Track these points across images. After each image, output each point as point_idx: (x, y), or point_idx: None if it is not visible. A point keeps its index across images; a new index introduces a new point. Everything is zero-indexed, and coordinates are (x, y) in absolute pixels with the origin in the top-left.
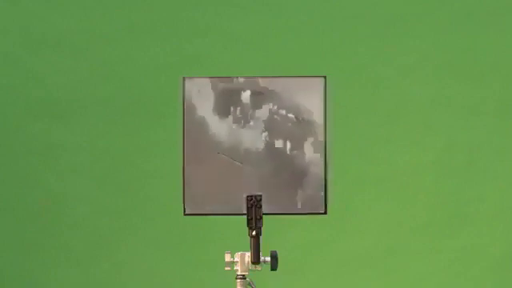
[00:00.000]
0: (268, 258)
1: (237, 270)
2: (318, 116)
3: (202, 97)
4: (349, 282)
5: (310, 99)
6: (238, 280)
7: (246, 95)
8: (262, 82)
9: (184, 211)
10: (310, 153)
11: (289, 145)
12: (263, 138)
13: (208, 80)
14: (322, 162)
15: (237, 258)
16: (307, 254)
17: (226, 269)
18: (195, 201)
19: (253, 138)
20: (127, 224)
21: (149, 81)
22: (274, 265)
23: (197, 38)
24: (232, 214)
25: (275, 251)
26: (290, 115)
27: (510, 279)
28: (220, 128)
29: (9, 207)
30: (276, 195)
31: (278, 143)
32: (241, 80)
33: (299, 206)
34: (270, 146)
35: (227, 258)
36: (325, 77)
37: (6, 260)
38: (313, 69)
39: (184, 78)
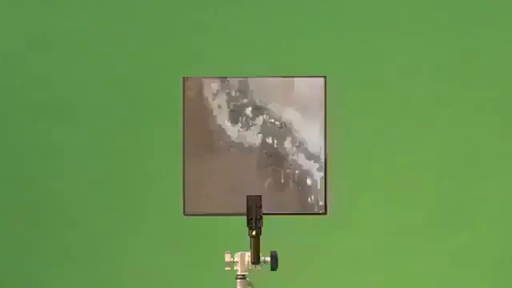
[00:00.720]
0: (268, 258)
1: (237, 270)
2: (294, 123)
3: (221, 110)
4: (349, 281)
5: (289, 112)
6: (238, 280)
7: (248, 110)
8: (259, 102)
9: (184, 211)
10: (289, 146)
11: (275, 141)
12: (259, 137)
13: (224, 100)
14: (322, 162)
15: (237, 258)
16: (307, 254)
17: (226, 269)
18: (195, 201)
19: (253, 137)
20: (127, 224)
21: (149, 81)
22: (273, 265)
23: (197, 37)
24: (232, 213)
25: (275, 251)
26: (277, 123)
27: (510, 279)
28: (232, 132)
29: (9, 207)
30: (267, 171)
31: (269, 140)
32: (245, 100)
33: (283, 180)
34: (263, 142)
35: (227, 258)
36: (325, 77)
37: (6, 260)
38: (313, 69)
39: (184, 78)
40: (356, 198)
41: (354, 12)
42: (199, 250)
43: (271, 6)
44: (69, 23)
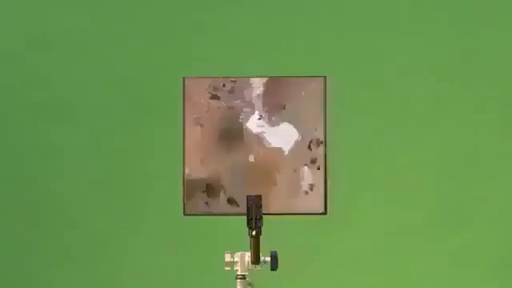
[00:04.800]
0: (268, 258)
1: (237, 270)
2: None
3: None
4: (349, 282)
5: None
6: (238, 280)
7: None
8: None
9: (184, 211)
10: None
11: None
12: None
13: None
14: (322, 162)
15: (237, 258)
16: (307, 254)
17: (226, 269)
18: (195, 201)
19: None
20: (127, 224)
21: (149, 81)
22: (273, 265)
23: (197, 37)
24: (232, 214)
25: (275, 251)
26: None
27: (510, 279)
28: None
29: (9, 207)
30: (262, 159)
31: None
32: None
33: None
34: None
35: (227, 258)
36: (325, 77)
37: (6, 260)
38: (313, 69)
39: (184, 78)
40: (356, 198)
41: (354, 12)
42: (199, 250)
43: (271, 6)
44: (69, 23)
